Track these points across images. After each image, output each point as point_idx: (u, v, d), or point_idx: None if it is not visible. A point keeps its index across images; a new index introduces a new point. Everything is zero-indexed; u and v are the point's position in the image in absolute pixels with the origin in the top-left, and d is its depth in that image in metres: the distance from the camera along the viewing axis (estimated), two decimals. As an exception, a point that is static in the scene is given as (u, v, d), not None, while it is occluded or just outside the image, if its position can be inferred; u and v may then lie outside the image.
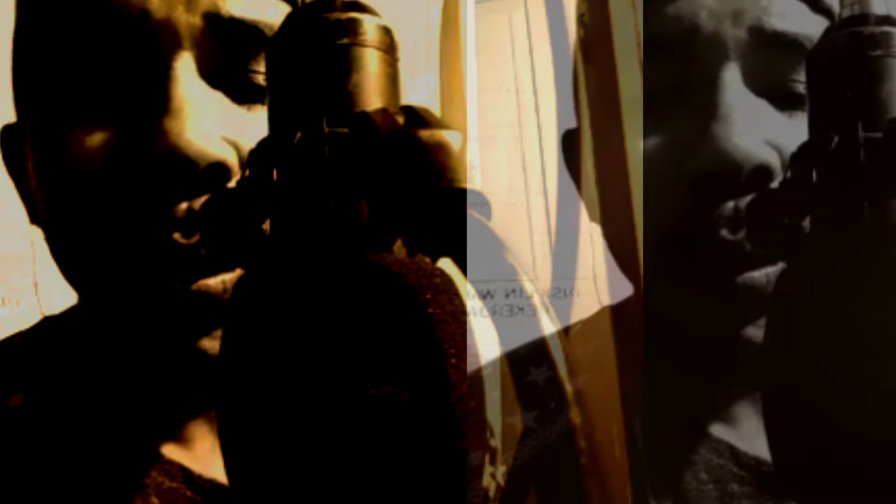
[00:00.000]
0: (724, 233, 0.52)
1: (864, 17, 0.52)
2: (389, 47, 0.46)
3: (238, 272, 0.47)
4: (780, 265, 0.54)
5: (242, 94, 0.49)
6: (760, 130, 0.54)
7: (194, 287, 0.46)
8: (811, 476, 0.50)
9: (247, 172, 0.45)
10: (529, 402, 0.73)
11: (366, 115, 0.43)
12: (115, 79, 0.46)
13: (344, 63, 0.44)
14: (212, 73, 0.47)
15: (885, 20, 0.52)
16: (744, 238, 0.51)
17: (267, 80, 0.46)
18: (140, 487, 0.48)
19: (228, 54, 0.47)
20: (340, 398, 0.40)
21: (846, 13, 0.53)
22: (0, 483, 0.48)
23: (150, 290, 0.46)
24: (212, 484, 0.51)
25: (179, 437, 0.53)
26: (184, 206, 0.46)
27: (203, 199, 0.46)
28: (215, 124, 0.46)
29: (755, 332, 0.55)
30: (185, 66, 0.46)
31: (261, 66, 0.48)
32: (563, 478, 0.70)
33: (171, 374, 0.52)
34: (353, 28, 0.45)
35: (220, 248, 0.45)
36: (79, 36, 0.46)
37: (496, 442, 0.69)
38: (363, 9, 0.46)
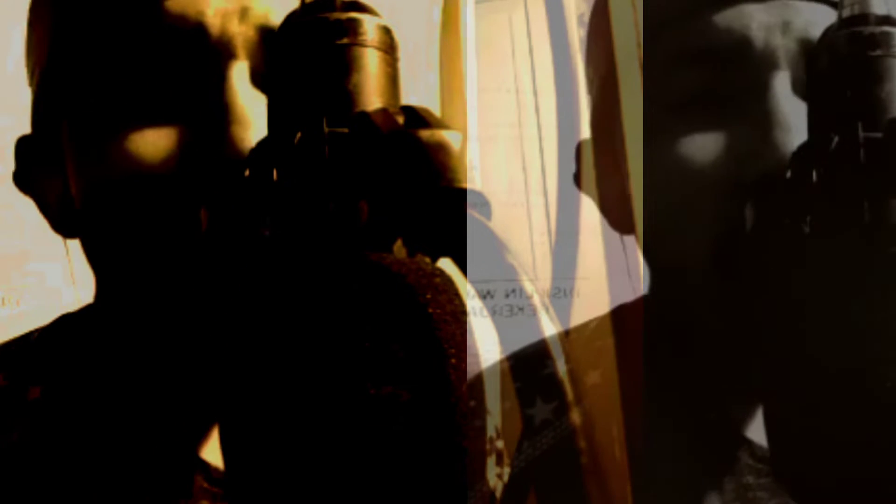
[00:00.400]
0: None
1: (864, 17, 0.53)
2: (389, 47, 0.46)
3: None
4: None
5: None
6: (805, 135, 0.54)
7: None
8: (810, 475, 0.50)
9: (247, 172, 0.45)
10: (529, 401, 0.73)
11: (366, 115, 0.43)
12: (174, 84, 0.47)
13: (344, 63, 0.44)
14: (260, 80, 0.49)
15: (885, 20, 0.52)
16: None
17: (267, 79, 0.46)
18: (187, 493, 0.49)
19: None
20: (340, 398, 0.40)
21: (846, 13, 0.53)
22: (18, 479, 0.48)
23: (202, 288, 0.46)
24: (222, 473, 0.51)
25: (209, 433, 0.53)
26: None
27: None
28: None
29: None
30: (239, 75, 0.47)
31: None
32: (563, 478, 0.70)
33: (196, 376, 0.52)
34: (353, 28, 0.45)
35: (220, 247, 0.45)
36: (133, 48, 0.47)
37: (501, 443, 0.69)
38: (363, 9, 0.46)
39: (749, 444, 0.61)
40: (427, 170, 0.43)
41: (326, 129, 0.43)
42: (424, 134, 0.43)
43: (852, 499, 0.49)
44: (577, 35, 1.01)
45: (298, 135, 0.43)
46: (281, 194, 0.44)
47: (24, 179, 0.56)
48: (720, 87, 0.56)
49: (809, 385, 0.50)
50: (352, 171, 0.43)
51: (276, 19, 0.47)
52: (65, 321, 0.58)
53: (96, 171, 0.49)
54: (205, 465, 0.52)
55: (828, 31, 0.54)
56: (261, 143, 0.45)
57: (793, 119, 0.55)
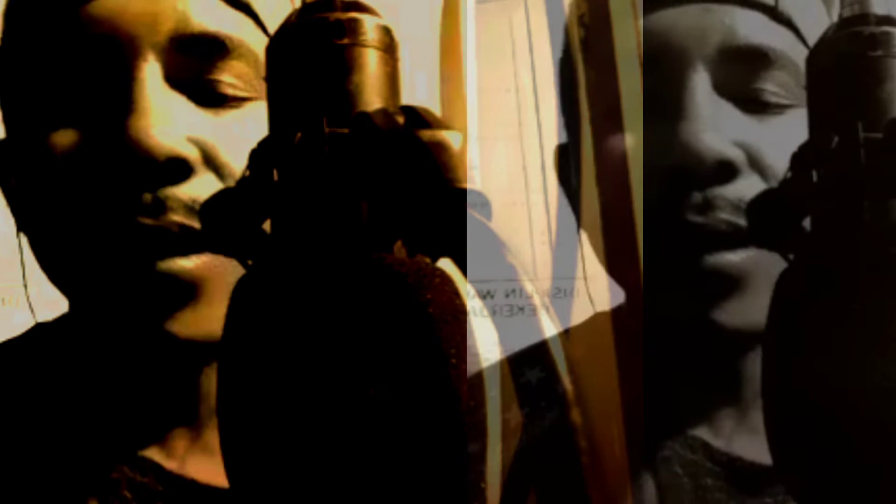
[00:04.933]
0: (693, 217, 0.56)
1: (864, 17, 0.53)
2: (389, 47, 0.46)
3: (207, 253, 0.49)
4: (751, 249, 0.56)
5: (208, 98, 0.52)
6: (726, 131, 0.57)
7: (163, 266, 0.50)
8: (813, 477, 0.50)
9: (247, 172, 0.45)
10: (529, 401, 0.73)
11: (366, 115, 0.43)
12: (85, 84, 0.50)
13: (344, 63, 0.44)
14: (179, 81, 0.51)
15: (885, 20, 0.52)
16: (711, 222, 0.55)
17: (267, 80, 0.46)
18: (111, 482, 0.52)
19: (194, 64, 0.51)
20: (340, 398, 0.40)
21: (846, 13, 0.53)
22: None
23: (120, 270, 0.50)
24: (182, 480, 0.54)
25: (156, 433, 0.56)
26: (148, 196, 0.49)
27: (165, 189, 0.50)
28: (179, 125, 0.50)
29: (726, 317, 0.58)
30: (152, 73, 0.50)
31: (224, 74, 0.52)
32: (563, 478, 0.70)
33: (150, 376, 0.55)
34: (353, 28, 0.45)
35: (221, 246, 0.45)
36: (54, 50, 0.51)
37: (499, 441, 0.69)
38: (363, 9, 0.46)
39: (707, 446, 0.62)
40: (427, 170, 0.43)
41: (326, 130, 0.43)
42: (424, 134, 0.43)
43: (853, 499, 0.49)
44: (577, 35, 1.01)
45: (298, 135, 0.43)
46: (281, 194, 0.44)
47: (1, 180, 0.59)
48: (647, 89, 0.58)
49: (809, 385, 0.50)
50: (352, 171, 0.43)
51: (192, 24, 0.51)
52: (39, 329, 0.61)
53: (28, 170, 0.53)
54: (156, 467, 0.54)
55: (828, 31, 0.54)
56: (261, 143, 0.45)
57: (703, 112, 0.56)
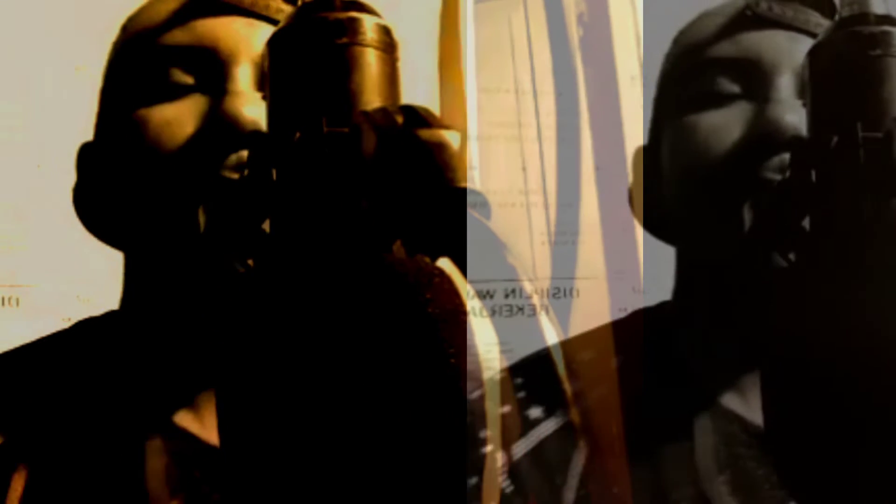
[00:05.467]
0: (769, 174, 0.66)
1: (864, 17, 0.53)
2: (389, 47, 0.46)
3: None
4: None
5: None
6: (799, 115, 0.66)
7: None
8: (811, 475, 0.50)
9: (246, 172, 0.45)
10: (528, 403, 0.73)
11: (366, 115, 0.43)
12: (192, 72, 0.63)
13: (344, 63, 0.44)
14: (262, 88, 0.62)
15: (885, 20, 0.52)
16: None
17: (268, 79, 0.46)
18: (146, 449, 0.60)
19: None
20: (340, 397, 0.40)
21: (846, 13, 0.53)
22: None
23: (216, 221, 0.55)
24: (216, 450, 0.58)
25: (192, 408, 0.62)
26: (234, 157, 0.58)
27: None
28: (259, 111, 0.58)
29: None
30: (244, 74, 0.62)
31: None
32: (563, 477, 0.70)
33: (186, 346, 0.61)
34: (352, 28, 0.45)
35: (221, 246, 0.45)
36: (162, 50, 0.63)
37: (499, 440, 0.69)
38: (363, 8, 0.46)
39: (741, 419, 0.69)
40: (427, 169, 0.43)
41: (326, 129, 0.43)
42: (424, 133, 0.43)
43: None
44: (576, 35, 1.01)
45: (298, 134, 0.43)
46: (280, 193, 0.44)
47: (85, 184, 0.69)
48: (740, 82, 0.70)
49: (809, 386, 0.50)
50: (351, 171, 0.43)
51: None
52: (85, 326, 0.68)
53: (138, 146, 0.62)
54: (196, 441, 0.61)
55: (828, 31, 0.54)
56: (261, 143, 0.45)
57: (786, 99, 0.68)
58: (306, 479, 0.41)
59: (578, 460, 0.69)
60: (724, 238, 0.68)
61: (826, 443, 0.49)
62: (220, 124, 0.59)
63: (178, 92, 0.63)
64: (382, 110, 0.44)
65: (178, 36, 0.64)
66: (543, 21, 1.01)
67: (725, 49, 0.72)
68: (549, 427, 0.70)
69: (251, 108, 0.59)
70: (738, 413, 0.70)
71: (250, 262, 0.45)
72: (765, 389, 0.52)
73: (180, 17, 0.64)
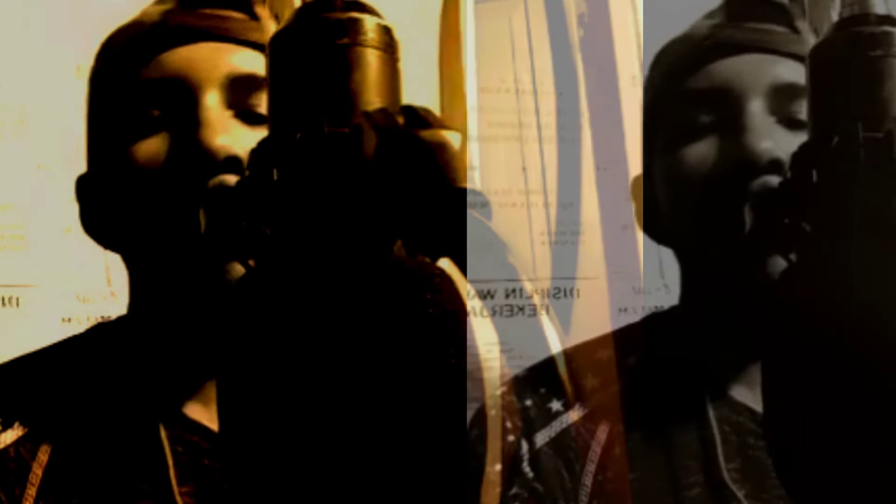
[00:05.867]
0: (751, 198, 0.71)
1: (864, 17, 0.53)
2: (389, 47, 0.46)
3: None
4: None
5: (250, 118, 0.67)
6: (776, 141, 0.71)
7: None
8: (811, 475, 0.50)
9: (247, 172, 0.45)
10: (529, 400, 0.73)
11: (367, 116, 0.43)
12: (163, 108, 0.67)
13: (345, 63, 0.44)
14: (230, 105, 0.67)
15: (885, 20, 0.52)
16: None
17: (268, 79, 0.46)
18: (159, 439, 0.65)
19: (240, 94, 0.67)
20: (340, 396, 0.40)
21: (846, 13, 0.53)
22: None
23: (188, 235, 0.62)
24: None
25: (202, 399, 0.67)
26: (214, 181, 0.63)
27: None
28: (233, 135, 0.66)
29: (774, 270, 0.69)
30: (212, 100, 0.66)
31: (260, 100, 0.67)
32: (563, 476, 0.71)
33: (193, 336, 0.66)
34: (353, 28, 0.45)
35: (222, 245, 0.45)
36: (138, 88, 0.68)
37: (499, 440, 0.70)
38: (364, 8, 0.46)
39: (750, 410, 0.73)
40: (427, 170, 0.43)
41: (327, 130, 0.43)
42: (424, 134, 0.43)
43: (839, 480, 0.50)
44: (576, 35, 1.01)
45: (299, 135, 0.43)
46: (281, 193, 0.44)
47: (87, 209, 0.73)
48: (709, 118, 0.75)
49: (809, 386, 0.50)
50: (352, 171, 0.43)
51: (239, 68, 0.67)
52: (100, 329, 0.72)
53: (120, 180, 0.67)
54: (207, 430, 0.66)
55: (828, 31, 0.55)
56: (261, 143, 0.45)
57: (758, 127, 0.72)
58: (306, 479, 0.41)
59: (596, 449, 0.72)
60: (719, 252, 0.72)
61: (824, 441, 0.49)
62: (196, 155, 0.64)
63: (156, 126, 0.67)
64: (383, 110, 0.44)
65: (150, 71, 0.68)
66: (544, 21, 1.01)
67: (697, 81, 0.76)
68: (569, 418, 0.73)
69: (223, 137, 0.64)
70: (748, 405, 0.73)
71: (251, 262, 0.45)
72: (766, 384, 0.53)
73: (149, 50, 0.68)
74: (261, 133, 0.62)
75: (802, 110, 0.73)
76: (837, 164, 0.51)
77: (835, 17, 0.55)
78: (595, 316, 0.97)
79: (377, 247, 0.43)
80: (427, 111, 0.45)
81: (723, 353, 0.74)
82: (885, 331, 0.48)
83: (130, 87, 0.68)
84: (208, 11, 0.70)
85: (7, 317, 0.97)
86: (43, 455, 0.65)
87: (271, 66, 0.46)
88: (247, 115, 0.67)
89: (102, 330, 0.72)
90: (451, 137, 0.43)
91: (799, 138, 0.70)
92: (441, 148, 0.43)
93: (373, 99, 0.44)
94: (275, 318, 0.42)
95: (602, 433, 0.73)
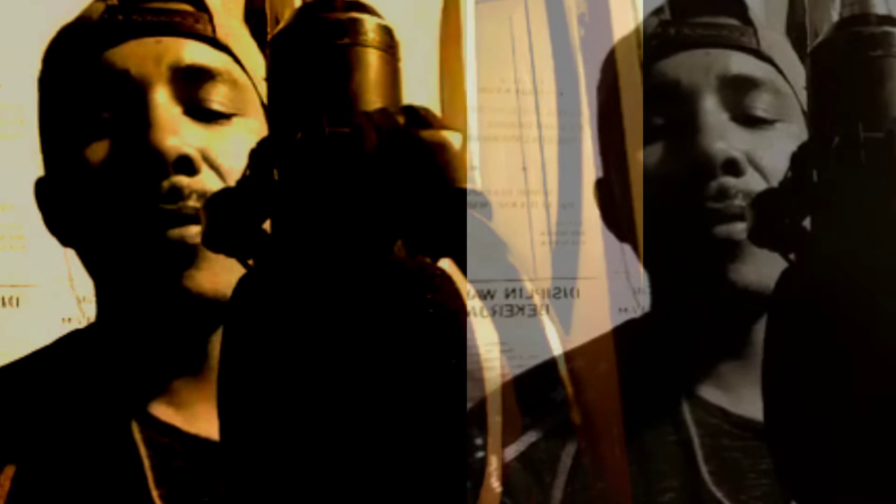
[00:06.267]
0: (710, 203, 0.71)
1: (864, 17, 0.53)
2: (390, 47, 0.46)
3: None
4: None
5: (201, 115, 0.66)
6: (731, 140, 0.72)
7: (174, 234, 0.64)
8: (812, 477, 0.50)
9: (247, 172, 0.45)
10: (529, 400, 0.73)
11: (367, 116, 0.43)
12: (111, 109, 0.66)
13: (344, 63, 0.44)
14: (180, 100, 0.66)
15: (885, 20, 0.52)
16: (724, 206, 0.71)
17: (268, 79, 0.46)
18: (132, 442, 0.65)
19: (188, 88, 0.66)
20: (340, 397, 0.40)
21: (846, 13, 0.53)
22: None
23: (144, 240, 0.64)
24: (197, 439, 0.66)
25: (170, 400, 0.67)
26: (166, 183, 0.64)
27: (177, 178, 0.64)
28: (184, 135, 0.65)
29: (737, 276, 0.71)
30: (161, 97, 0.65)
31: (211, 95, 0.67)
32: (563, 477, 0.71)
33: (157, 331, 0.67)
34: (353, 28, 0.45)
35: (222, 245, 0.45)
36: (84, 87, 0.67)
37: (499, 439, 0.70)
38: (364, 8, 0.46)
39: (724, 411, 0.73)
40: (428, 170, 0.43)
41: (327, 130, 0.43)
42: (425, 134, 0.43)
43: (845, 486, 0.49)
44: (577, 35, 1.01)
45: (299, 135, 0.43)
46: (281, 193, 0.44)
47: (44, 208, 0.72)
48: (662, 118, 0.74)
49: (809, 385, 0.50)
50: (352, 171, 0.43)
51: (184, 60, 0.67)
52: (74, 337, 0.72)
53: (70, 181, 0.67)
54: (178, 432, 0.66)
55: (828, 31, 0.55)
56: (262, 143, 0.45)
57: (713, 127, 0.71)
58: (306, 479, 0.41)
59: (567, 460, 0.72)
60: (680, 255, 0.72)
61: (826, 441, 0.49)
62: (147, 157, 0.63)
63: (107, 128, 0.65)
64: (383, 110, 0.44)
65: (96, 70, 0.66)
66: (544, 21, 1.01)
67: (647, 81, 0.74)
68: (538, 431, 0.72)
69: (173, 138, 0.64)
70: (721, 405, 0.73)
71: (251, 262, 0.45)
72: (766, 385, 0.53)
73: (94, 48, 0.67)
74: (211, 130, 0.66)
75: (756, 104, 0.73)
76: (837, 164, 0.51)
77: (835, 17, 0.55)
78: (595, 316, 0.97)
79: (378, 247, 0.43)
80: (427, 111, 0.45)
81: (691, 353, 0.74)
82: (886, 331, 0.48)
83: (78, 87, 0.67)
84: (154, 5, 0.68)
85: (7, 317, 0.97)
86: (5, 479, 0.63)
87: (271, 66, 0.46)
88: (197, 112, 0.66)
89: (70, 340, 0.71)
90: (452, 137, 0.43)
91: (754, 134, 0.73)
92: (441, 148, 0.43)
93: (373, 99, 0.44)
94: (275, 318, 0.42)
95: (572, 446, 0.71)
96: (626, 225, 0.76)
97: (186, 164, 0.64)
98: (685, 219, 0.71)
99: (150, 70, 0.66)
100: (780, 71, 0.76)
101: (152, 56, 0.66)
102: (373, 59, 0.45)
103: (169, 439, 0.65)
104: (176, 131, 0.64)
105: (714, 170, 0.70)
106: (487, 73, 0.99)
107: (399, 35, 0.47)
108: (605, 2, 0.98)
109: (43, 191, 0.72)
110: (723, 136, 0.71)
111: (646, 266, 0.77)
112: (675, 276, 0.74)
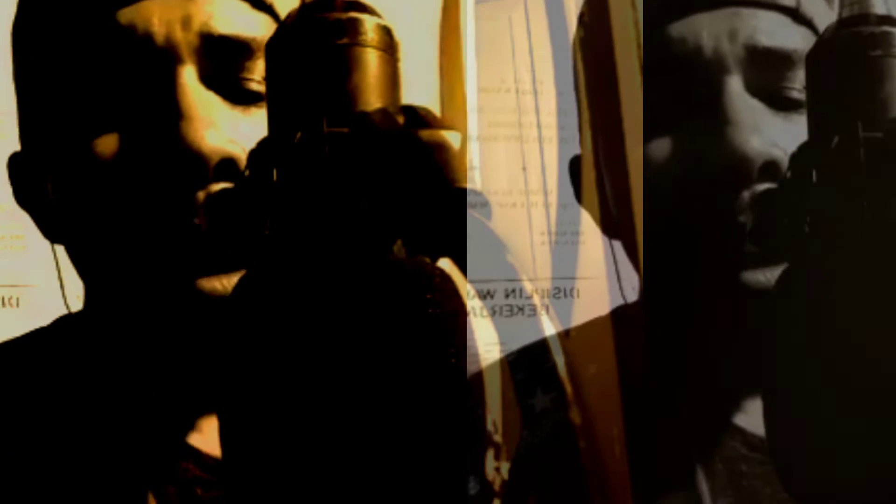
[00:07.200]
0: (743, 219, 0.57)
1: (864, 17, 0.53)
2: (389, 47, 0.46)
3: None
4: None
5: (238, 97, 0.55)
6: (764, 131, 0.59)
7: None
8: (808, 470, 0.50)
9: (247, 172, 0.45)
10: (529, 393, 0.73)
11: (366, 115, 0.43)
12: (127, 89, 0.53)
13: (344, 63, 0.44)
14: (210, 81, 0.54)
15: (885, 20, 0.53)
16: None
17: (267, 79, 0.46)
18: (168, 475, 0.55)
19: (223, 64, 0.54)
20: (340, 397, 0.40)
21: (846, 13, 0.53)
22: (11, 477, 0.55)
23: (175, 271, 0.53)
24: (217, 461, 0.56)
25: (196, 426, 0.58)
26: (202, 194, 0.52)
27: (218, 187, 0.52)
28: (223, 127, 0.53)
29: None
30: (190, 76, 0.53)
31: (252, 73, 0.55)
32: (564, 477, 0.71)
33: (180, 366, 0.57)
34: (353, 28, 0.45)
35: (222, 246, 0.45)
36: (90, 55, 0.53)
37: (499, 438, 0.70)
38: (363, 8, 0.46)
39: (742, 432, 0.63)
40: (427, 170, 0.43)
41: (326, 129, 0.43)
42: (424, 134, 0.43)
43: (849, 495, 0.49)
44: (577, 35, 1.01)
45: (298, 135, 0.43)
46: (281, 194, 0.44)
47: (19, 191, 0.61)
48: (678, 94, 0.60)
49: (809, 383, 0.50)
50: (352, 172, 0.43)
51: (216, 27, 0.54)
52: (64, 322, 0.64)
53: (70, 177, 0.55)
54: (196, 453, 0.57)
55: (827, 31, 0.54)
56: (261, 143, 0.45)
57: (743, 116, 0.58)
58: (306, 480, 0.41)
59: (566, 459, 0.67)
60: (684, 273, 0.60)
61: (827, 446, 0.49)
62: (181, 160, 0.50)
63: (120, 115, 0.52)
64: (383, 111, 0.44)
65: (106, 34, 0.52)
66: (544, 21, 1.01)
67: (651, 54, 0.59)
68: (548, 416, 0.68)
69: (212, 132, 0.50)
70: (739, 425, 0.63)
71: (250, 262, 0.45)
72: (766, 386, 0.53)
73: (102, 6, 0.53)
74: (254, 115, 0.54)
75: (795, 84, 0.59)
76: (837, 164, 0.51)
77: (835, 17, 0.55)
78: (595, 316, 0.97)
79: (377, 247, 0.43)
80: (427, 111, 0.45)
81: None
82: (886, 331, 0.48)
83: (81, 55, 0.52)
84: None
85: (7, 317, 0.97)
86: None
87: (270, 65, 0.46)
88: (233, 92, 0.53)
89: (67, 323, 0.62)
90: (451, 137, 0.43)
91: (792, 123, 0.60)
92: (441, 148, 0.43)
93: (372, 99, 0.45)
94: (275, 318, 0.42)
95: (571, 447, 0.66)
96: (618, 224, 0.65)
97: (230, 169, 0.51)
98: (703, 232, 0.57)
99: (176, 38, 0.52)
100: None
101: (178, 19, 0.52)
102: (372, 59, 0.45)
103: (189, 464, 0.56)
104: (214, 122, 0.51)
105: (750, 175, 0.56)
106: (487, 73, 0.99)
107: (399, 35, 0.47)
108: (604, 2, 0.98)
109: (20, 168, 0.59)
110: (757, 127, 0.57)
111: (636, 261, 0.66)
112: (678, 279, 0.61)
